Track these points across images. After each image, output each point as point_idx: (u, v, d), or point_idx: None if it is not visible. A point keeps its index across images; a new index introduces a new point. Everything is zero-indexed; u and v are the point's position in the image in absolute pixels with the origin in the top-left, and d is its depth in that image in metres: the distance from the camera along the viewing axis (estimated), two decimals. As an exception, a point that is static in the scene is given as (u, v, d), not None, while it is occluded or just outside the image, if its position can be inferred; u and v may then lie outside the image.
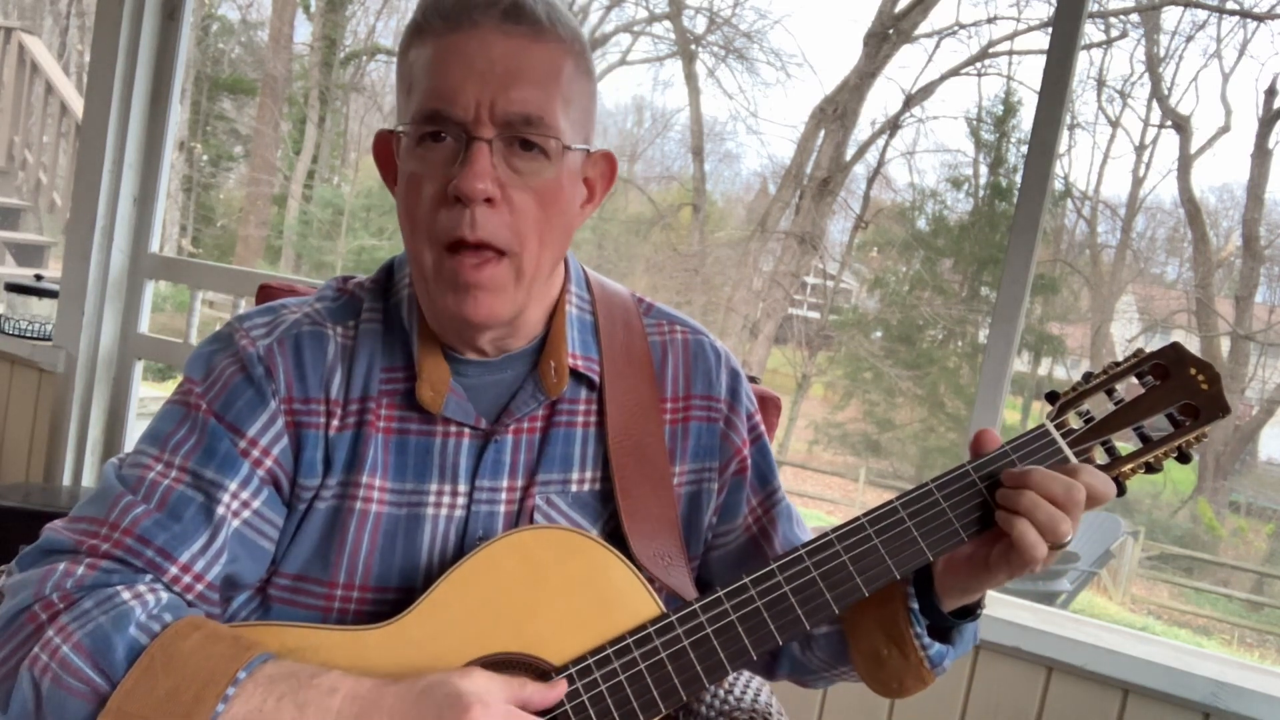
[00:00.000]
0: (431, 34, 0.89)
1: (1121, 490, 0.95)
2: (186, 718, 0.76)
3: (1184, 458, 0.96)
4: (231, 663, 0.79)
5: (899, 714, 1.99)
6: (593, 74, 0.96)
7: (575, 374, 0.99)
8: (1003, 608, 1.95)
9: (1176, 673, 1.78)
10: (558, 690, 0.86)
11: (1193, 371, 0.95)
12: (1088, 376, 0.97)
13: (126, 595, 0.83)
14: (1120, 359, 0.97)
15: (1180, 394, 0.95)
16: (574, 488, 0.99)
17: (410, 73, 0.91)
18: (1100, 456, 0.96)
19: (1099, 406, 0.96)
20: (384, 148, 0.97)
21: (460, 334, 0.95)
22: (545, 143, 0.88)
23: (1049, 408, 0.97)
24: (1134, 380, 0.96)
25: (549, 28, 0.89)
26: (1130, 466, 0.95)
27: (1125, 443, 0.96)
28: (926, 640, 0.95)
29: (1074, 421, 0.96)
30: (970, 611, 0.98)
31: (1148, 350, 0.97)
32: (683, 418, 1.04)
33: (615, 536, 0.98)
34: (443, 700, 0.79)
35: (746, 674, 1.27)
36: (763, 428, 1.10)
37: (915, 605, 0.95)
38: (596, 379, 1.00)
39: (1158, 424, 0.96)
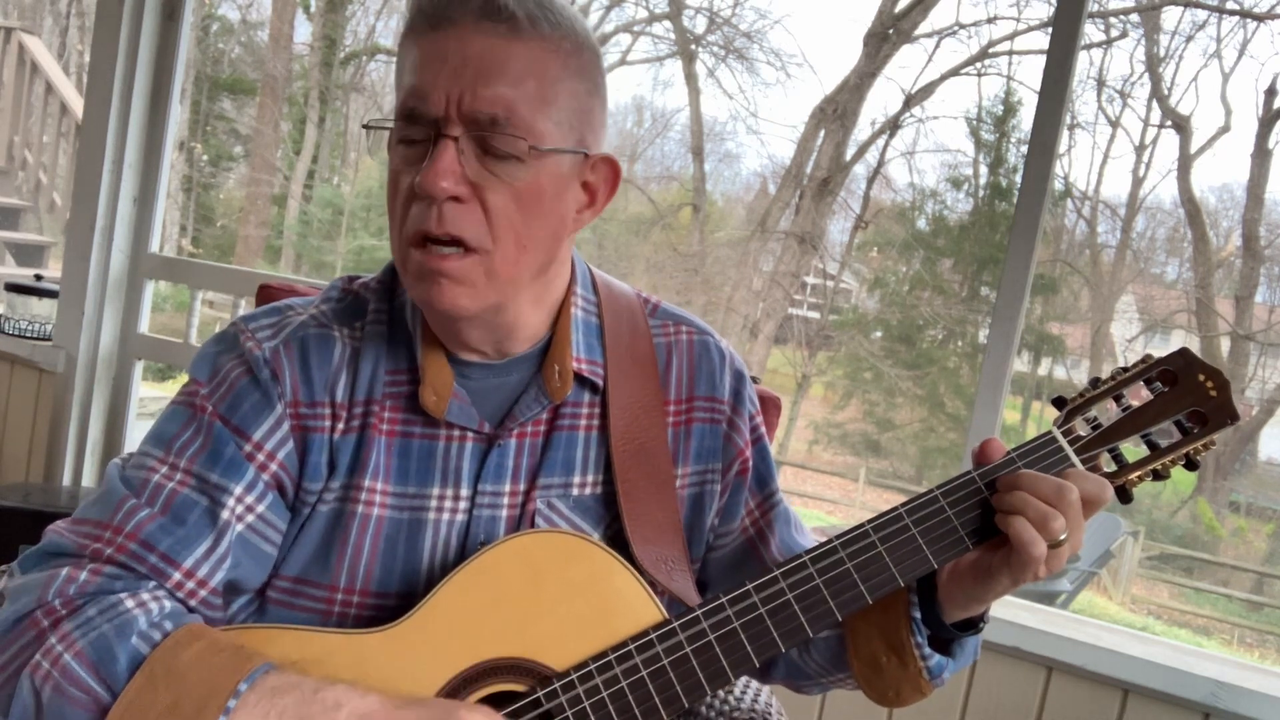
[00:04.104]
0: (414, 33, 0.89)
1: (1128, 498, 0.94)
2: None
3: (1191, 465, 0.95)
4: (233, 674, 0.78)
5: (899, 713, 1.99)
6: (590, 74, 0.92)
7: (579, 377, 0.99)
8: (1003, 608, 1.95)
9: (1176, 673, 1.78)
10: None
11: (1201, 378, 0.94)
12: (1095, 382, 0.96)
13: (130, 603, 0.82)
14: (1127, 363, 0.96)
15: (1189, 401, 0.94)
16: (575, 491, 0.98)
17: (400, 71, 0.92)
18: (1108, 464, 0.95)
19: (1106, 413, 0.95)
20: None
21: (442, 327, 0.95)
22: (513, 145, 0.86)
23: (1055, 413, 0.96)
24: (1141, 385, 0.96)
25: (528, 25, 0.86)
26: (1138, 474, 0.94)
27: (1133, 447, 0.96)
28: (927, 650, 0.94)
29: (1081, 428, 0.95)
30: (973, 625, 0.97)
31: (1155, 355, 0.96)
32: (685, 419, 1.04)
33: (617, 540, 0.97)
34: None
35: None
36: (764, 429, 1.09)
37: (918, 614, 0.94)
38: (600, 382, 1.00)
39: (1165, 431, 0.94)
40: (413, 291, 0.91)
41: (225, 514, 0.89)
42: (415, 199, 0.87)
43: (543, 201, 0.89)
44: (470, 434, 0.96)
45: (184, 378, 0.98)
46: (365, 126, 0.94)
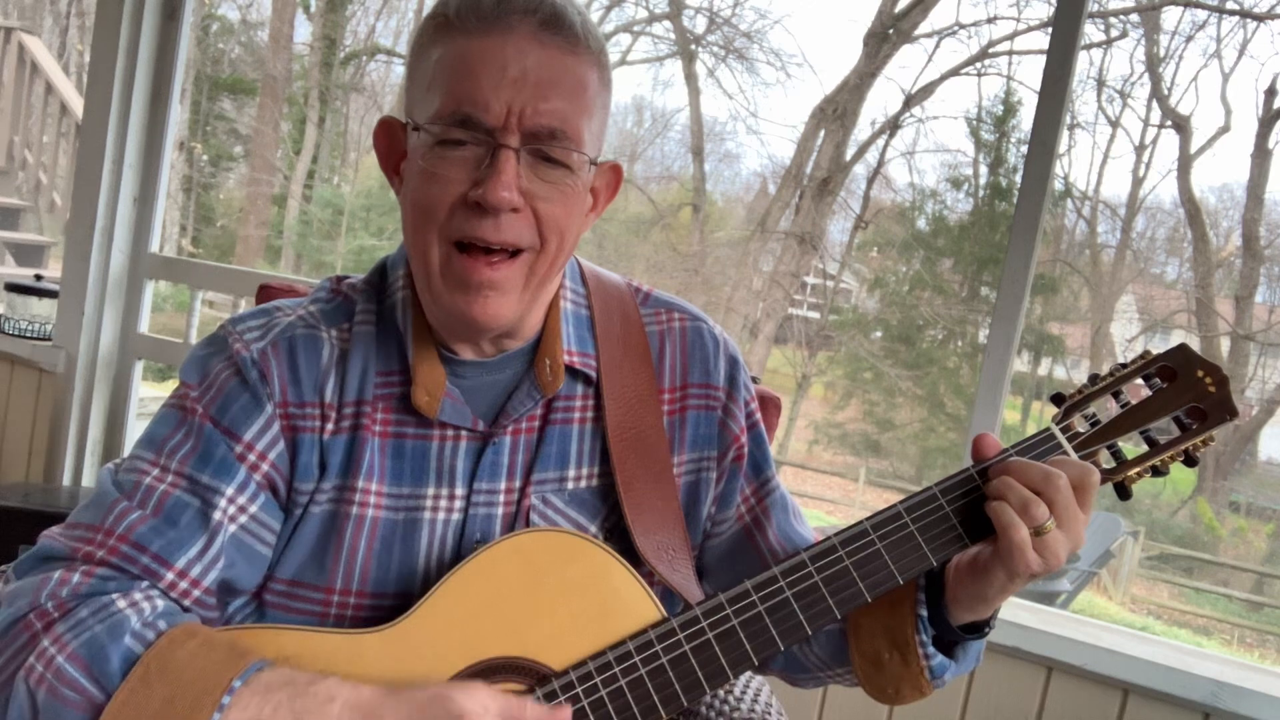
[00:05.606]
0: (462, 32, 0.87)
1: (1127, 494, 0.94)
2: None
3: (1190, 461, 0.95)
4: (227, 671, 0.78)
5: (899, 713, 1.99)
6: (611, 85, 0.95)
7: (571, 370, 0.99)
8: (1003, 608, 1.95)
9: (1176, 673, 1.78)
10: (561, 713, 0.84)
11: (1200, 374, 0.94)
12: (1094, 379, 0.96)
13: (122, 603, 0.82)
14: (1126, 360, 0.96)
15: (1187, 397, 0.94)
16: (570, 485, 0.98)
17: (433, 68, 0.89)
18: (1106, 460, 0.95)
19: (1105, 409, 0.95)
20: (389, 136, 0.96)
21: (461, 333, 0.95)
22: (568, 157, 0.88)
23: (1054, 410, 0.96)
24: (1140, 382, 0.96)
25: (582, 39, 0.88)
26: (1136, 470, 0.94)
27: (1131, 445, 0.95)
28: (930, 650, 0.93)
29: (1080, 425, 0.94)
30: (979, 629, 0.96)
31: (1154, 352, 0.96)
32: (680, 407, 1.03)
33: (617, 531, 0.97)
34: (443, 715, 0.78)
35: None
36: (759, 416, 1.09)
37: (924, 612, 0.94)
38: (593, 374, 1.00)
39: (1164, 427, 0.94)
40: (449, 300, 0.90)
41: (217, 515, 0.89)
42: (463, 204, 0.87)
43: (579, 207, 0.92)
44: (465, 433, 0.96)
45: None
46: (416, 128, 0.90)
